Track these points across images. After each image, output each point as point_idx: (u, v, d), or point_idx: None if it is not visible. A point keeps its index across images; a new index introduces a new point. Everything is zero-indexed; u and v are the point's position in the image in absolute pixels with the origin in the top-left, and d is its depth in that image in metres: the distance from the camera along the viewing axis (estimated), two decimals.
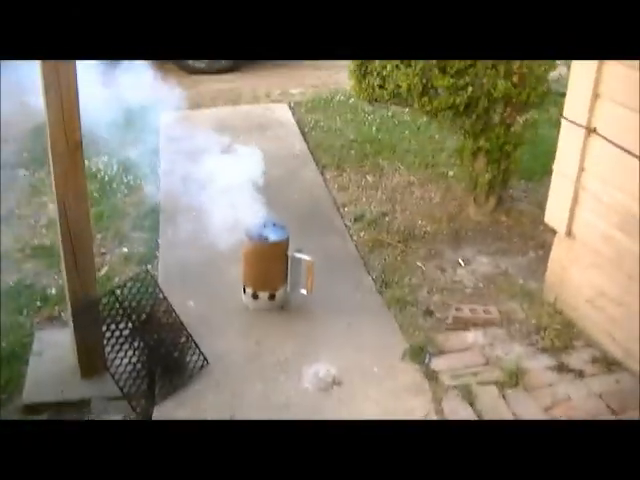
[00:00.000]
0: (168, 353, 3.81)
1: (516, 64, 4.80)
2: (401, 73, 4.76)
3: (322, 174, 6.29)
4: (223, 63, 9.05)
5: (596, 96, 4.00)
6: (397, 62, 4.75)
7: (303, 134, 7.14)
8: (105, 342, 3.67)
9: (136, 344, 3.73)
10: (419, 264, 4.94)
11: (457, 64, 4.65)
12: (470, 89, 4.74)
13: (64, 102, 3.07)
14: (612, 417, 3.68)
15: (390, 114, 7.50)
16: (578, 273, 4.33)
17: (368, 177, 6.22)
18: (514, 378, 3.89)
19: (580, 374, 3.98)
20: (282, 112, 7.75)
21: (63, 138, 3.13)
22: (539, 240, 5.22)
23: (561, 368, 4.03)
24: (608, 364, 4.06)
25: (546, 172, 4.50)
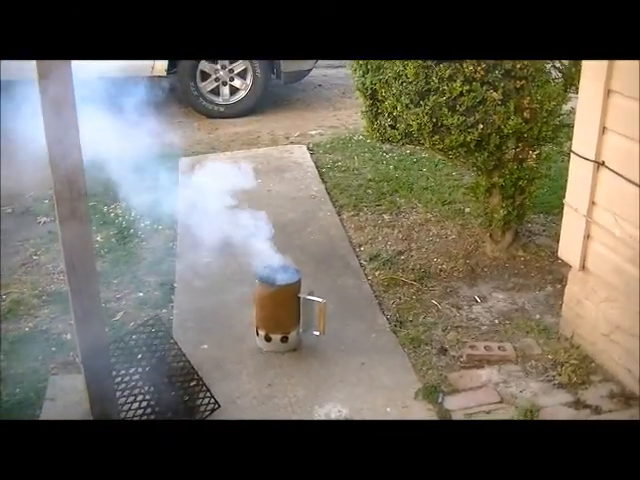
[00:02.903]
0: (178, 397, 3.82)
1: (526, 100, 4.80)
2: (411, 113, 4.77)
3: (339, 214, 6.31)
4: (241, 107, 9.16)
5: (603, 129, 3.99)
6: (407, 102, 4.77)
7: (321, 175, 7.18)
8: (116, 387, 3.69)
9: (146, 389, 3.74)
10: (434, 302, 4.92)
11: (466, 102, 4.66)
12: (480, 126, 4.74)
13: (65, 152, 3.10)
14: None
15: (408, 152, 7.52)
16: (594, 307, 4.30)
17: (385, 216, 6.22)
18: (529, 416, 3.85)
19: (597, 410, 3.94)
20: (300, 154, 7.80)
21: (67, 188, 3.16)
22: (557, 274, 5.20)
23: (578, 404, 3.98)
24: (626, 399, 4.01)
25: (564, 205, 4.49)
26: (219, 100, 9.12)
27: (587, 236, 4.24)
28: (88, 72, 4.07)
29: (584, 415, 3.89)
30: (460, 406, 3.97)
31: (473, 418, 3.86)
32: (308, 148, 7.99)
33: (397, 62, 4.73)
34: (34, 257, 5.64)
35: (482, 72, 4.61)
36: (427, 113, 4.72)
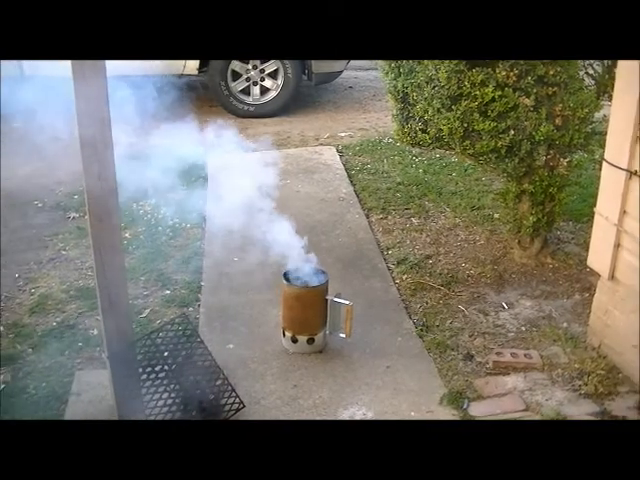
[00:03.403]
0: (203, 396, 3.83)
1: (558, 106, 4.77)
2: (442, 117, 4.77)
3: (367, 217, 6.30)
4: (272, 107, 9.19)
5: (637, 138, 3.96)
6: (439, 106, 4.76)
7: (350, 177, 7.18)
8: (141, 384, 3.71)
9: (172, 386, 3.76)
10: (461, 307, 4.90)
11: (498, 107, 4.64)
12: (512, 132, 4.73)
13: (98, 149, 3.13)
14: None
15: (438, 156, 7.52)
16: (622, 317, 4.26)
17: (413, 220, 6.22)
18: None
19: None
20: (330, 155, 7.81)
21: (97, 184, 3.19)
22: (585, 282, 5.17)
23: (604, 414, 3.95)
24: None
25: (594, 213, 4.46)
26: (249, 100, 9.15)
27: (617, 245, 4.20)
28: (119, 70, 4.10)
29: None
30: (485, 413, 3.95)
31: None
32: (337, 150, 8.00)
33: (429, 66, 4.73)
34: (63, 252, 5.68)
35: (514, 78, 4.60)
36: (458, 118, 4.72)
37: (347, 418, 3.88)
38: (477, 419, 3.83)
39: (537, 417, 3.90)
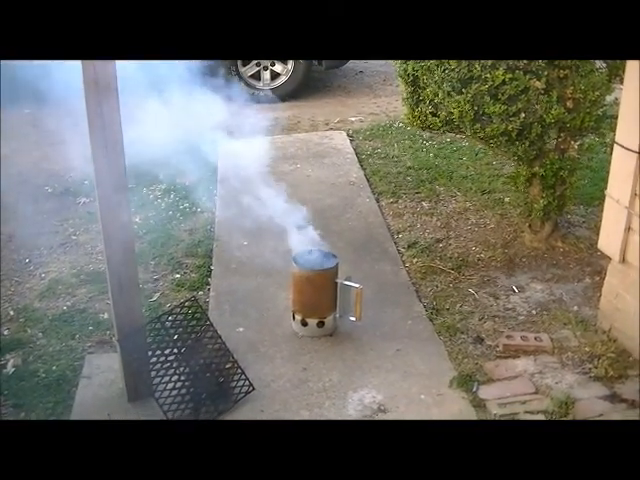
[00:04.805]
0: (213, 378, 3.84)
1: (569, 89, 4.75)
2: (453, 100, 4.74)
3: (378, 201, 6.30)
4: (282, 92, 9.19)
5: None
6: (449, 89, 4.74)
7: (360, 161, 7.18)
8: (151, 367, 3.72)
9: (181, 370, 3.77)
10: (471, 291, 4.89)
11: (509, 90, 4.62)
12: (522, 115, 4.70)
13: (107, 132, 3.14)
14: None
15: (448, 140, 7.51)
16: (633, 300, 4.24)
17: (424, 204, 6.21)
18: (564, 408, 3.82)
19: (633, 404, 3.89)
20: (340, 140, 7.81)
21: (106, 168, 3.20)
22: (596, 266, 5.15)
23: (614, 398, 3.94)
24: None
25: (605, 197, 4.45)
26: (260, 85, 9.16)
27: (628, 228, 4.19)
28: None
29: (620, 409, 3.86)
30: (495, 396, 3.94)
31: (507, 408, 3.84)
32: (348, 134, 8.00)
33: None
34: (73, 237, 5.71)
35: (525, 60, 4.57)
36: (469, 101, 4.69)
37: (356, 400, 3.88)
38: (477, 419, 3.81)
39: (547, 400, 3.89)
